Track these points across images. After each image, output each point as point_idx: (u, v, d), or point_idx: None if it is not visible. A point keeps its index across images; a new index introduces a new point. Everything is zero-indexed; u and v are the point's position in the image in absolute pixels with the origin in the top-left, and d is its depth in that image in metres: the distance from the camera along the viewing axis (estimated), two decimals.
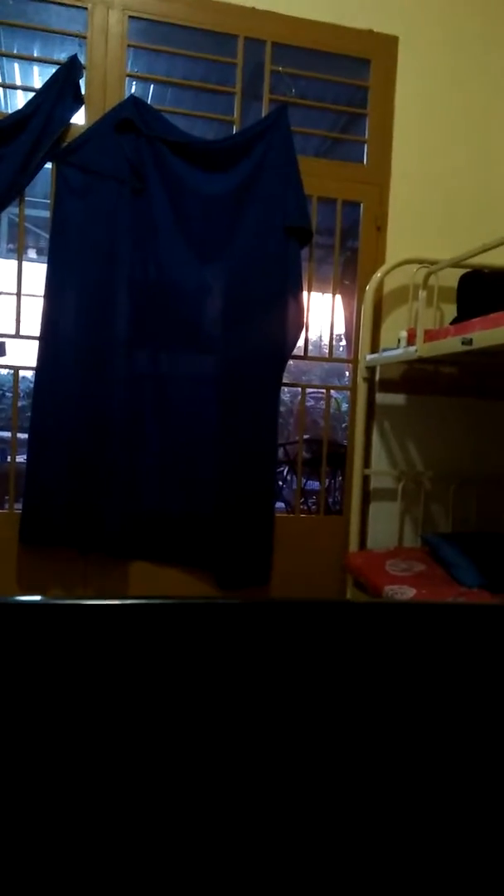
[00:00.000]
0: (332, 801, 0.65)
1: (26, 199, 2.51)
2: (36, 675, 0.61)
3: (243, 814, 0.64)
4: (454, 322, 2.46)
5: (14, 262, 2.60)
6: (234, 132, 2.63)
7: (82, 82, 2.46)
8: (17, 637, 0.61)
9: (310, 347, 2.79)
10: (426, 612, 0.71)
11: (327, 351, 3.01)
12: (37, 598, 0.66)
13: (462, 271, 2.58)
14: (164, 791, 0.63)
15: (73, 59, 2.42)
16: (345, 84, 2.80)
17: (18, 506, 2.53)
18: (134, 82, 2.72)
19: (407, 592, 2.17)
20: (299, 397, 3.02)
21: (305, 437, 3.39)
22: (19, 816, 0.61)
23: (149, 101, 2.61)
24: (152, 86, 3.05)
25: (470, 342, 1.98)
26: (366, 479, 2.76)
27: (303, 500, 3.79)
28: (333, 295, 2.89)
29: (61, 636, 0.62)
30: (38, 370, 2.45)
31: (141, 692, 0.62)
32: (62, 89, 2.39)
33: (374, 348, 2.71)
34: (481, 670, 0.68)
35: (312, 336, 2.82)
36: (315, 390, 5.27)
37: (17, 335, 2.55)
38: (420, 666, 0.67)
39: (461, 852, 0.67)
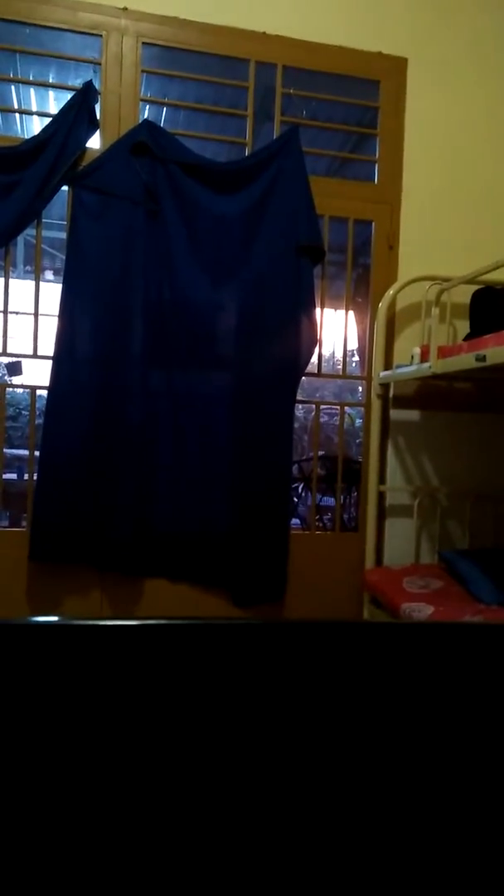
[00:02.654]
0: (354, 823, 0.64)
1: (43, 221, 2.56)
2: (52, 697, 0.61)
3: (263, 833, 0.63)
4: (467, 338, 2.46)
5: (31, 283, 2.64)
6: (247, 154, 2.66)
7: (97, 107, 2.52)
8: (33, 658, 0.61)
9: (323, 364, 2.80)
10: (444, 633, 0.70)
11: (341, 368, 3.01)
12: (53, 618, 0.66)
13: (474, 288, 2.58)
14: (182, 809, 0.62)
15: (89, 85, 2.47)
16: (355, 104, 2.83)
17: None
18: (147, 106, 2.77)
19: (424, 610, 2.15)
20: (313, 413, 3.02)
21: (320, 453, 3.38)
22: (34, 835, 0.61)
23: (162, 125, 2.66)
24: (165, 109, 3.10)
25: (484, 358, 1.97)
26: (381, 496, 2.75)
27: (318, 516, 3.77)
28: (346, 312, 2.90)
29: (76, 657, 0.62)
30: (51, 390, 2.47)
31: (157, 713, 0.62)
32: (78, 114, 2.44)
33: (388, 365, 2.71)
34: (502, 691, 0.67)
35: (325, 353, 2.82)
36: (329, 406, 5.27)
37: (35, 355, 2.58)
38: (439, 687, 0.66)
39: (481, 877, 0.65)
